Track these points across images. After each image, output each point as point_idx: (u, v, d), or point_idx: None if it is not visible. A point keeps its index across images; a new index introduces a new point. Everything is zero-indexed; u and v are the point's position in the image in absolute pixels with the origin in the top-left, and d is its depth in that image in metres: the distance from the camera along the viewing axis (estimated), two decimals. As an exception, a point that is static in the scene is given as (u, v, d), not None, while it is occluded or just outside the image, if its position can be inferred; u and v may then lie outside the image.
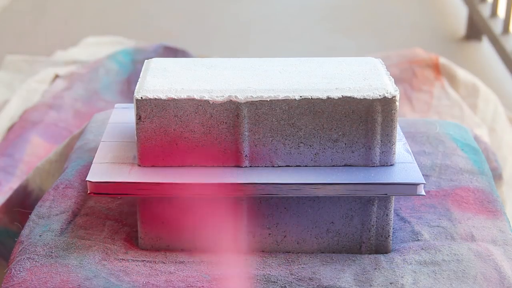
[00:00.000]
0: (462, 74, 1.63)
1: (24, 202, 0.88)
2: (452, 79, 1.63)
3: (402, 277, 0.77)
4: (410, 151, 0.82)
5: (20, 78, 1.86)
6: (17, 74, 1.89)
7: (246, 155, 0.79)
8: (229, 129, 0.78)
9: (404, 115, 1.55)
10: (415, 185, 0.77)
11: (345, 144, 0.78)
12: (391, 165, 0.79)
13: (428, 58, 1.66)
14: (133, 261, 0.79)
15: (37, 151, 1.51)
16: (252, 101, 0.77)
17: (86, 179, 0.77)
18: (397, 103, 0.77)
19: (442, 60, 1.65)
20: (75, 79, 1.72)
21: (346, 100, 0.77)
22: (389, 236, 0.81)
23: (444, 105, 1.57)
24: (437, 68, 1.63)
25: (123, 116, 0.90)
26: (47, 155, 1.17)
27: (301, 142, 0.78)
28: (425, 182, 0.77)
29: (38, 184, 1.12)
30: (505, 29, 1.96)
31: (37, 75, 1.78)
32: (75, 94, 1.67)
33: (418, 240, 0.82)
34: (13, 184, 1.40)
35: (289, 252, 0.81)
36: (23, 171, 1.45)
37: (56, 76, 1.75)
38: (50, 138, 1.55)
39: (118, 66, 1.75)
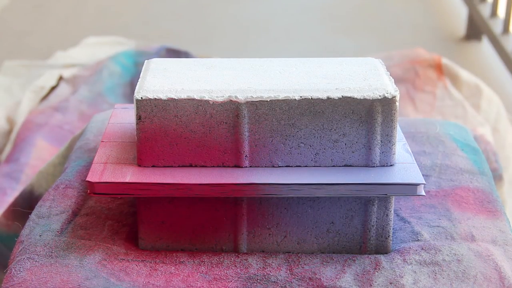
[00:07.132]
0: (465, 74, 1.63)
1: (32, 208, 0.88)
2: (455, 80, 1.63)
3: (402, 277, 0.77)
4: (410, 151, 0.82)
5: (19, 83, 1.86)
6: (15, 78, 1.89)
7: (246, 155, 0.79)
8: (229, 129, 0.78)
9: (407, 115, 1.55)
10: (415, 185, 0.77)
11: (345, 144, 0.78)
12: (391, 165, 0.79)
13: (430, 58, 1.66)
14: (133, 261, 0.79)
15: (42, 154, 1.50)
16: (252, 101, 0.77)
17: (86, 179, 0.77)
18: (397, 103, 0.77)
19: (445, 60, 1.65)
20: (79, 82, 1.72)
21: (346, 101, 0.77)
22: (389, 236, 0.81)
23: (447, 105, 1.57)
24: (439, 68, 1.63)
25: (123, 116, 0.90)
26: (50, 159, 1.16)
27: (301, 142, 0.78)
28: (425, 183, 0.77)
29: (45, 188, 1.11)
30: (505, 29, 1.96)
31: (42, 76, 1.78)
32: (80, 96, 1.67)
33: (418, 240, 0.82)
34: (18, 193, 1.39)
35: (290, 252, 0.81)
36: (29, 175, 1.44)
37: (61, 78, 1.75)
38: (55, 141, 1.54)
39: (121, 68, 1.75)
